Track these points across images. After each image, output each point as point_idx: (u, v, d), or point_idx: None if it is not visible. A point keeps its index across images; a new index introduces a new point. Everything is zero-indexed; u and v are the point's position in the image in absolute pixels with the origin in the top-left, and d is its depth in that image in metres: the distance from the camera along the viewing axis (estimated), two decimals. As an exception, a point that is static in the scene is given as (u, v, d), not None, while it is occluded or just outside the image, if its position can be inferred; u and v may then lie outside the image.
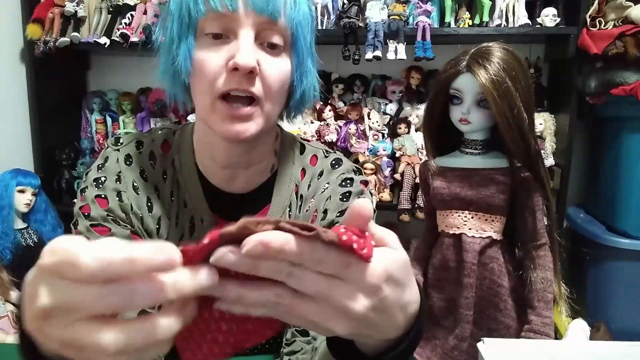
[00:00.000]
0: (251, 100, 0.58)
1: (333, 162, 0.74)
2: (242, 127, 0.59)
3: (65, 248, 0.28)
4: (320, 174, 0.73)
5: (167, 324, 0.31)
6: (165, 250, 0.29)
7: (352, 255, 0.32)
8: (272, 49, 0.59)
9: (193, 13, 0.58)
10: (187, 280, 0.30)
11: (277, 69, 0.60)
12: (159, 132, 0.73)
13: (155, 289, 0.29)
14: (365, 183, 0.74)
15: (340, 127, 1.95)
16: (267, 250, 0.30)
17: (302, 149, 0.76)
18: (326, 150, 0.76)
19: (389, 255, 0.34)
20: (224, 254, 0.30)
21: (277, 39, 0.59)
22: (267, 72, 0.58)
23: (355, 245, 0.31)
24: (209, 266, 0.31)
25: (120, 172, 0.67)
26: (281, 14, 0.58)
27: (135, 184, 0.68)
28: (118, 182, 0.67)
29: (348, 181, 0.72)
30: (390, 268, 0.34)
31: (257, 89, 0.58)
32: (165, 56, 0.62)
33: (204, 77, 0.58)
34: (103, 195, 0.66)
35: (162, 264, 0.29)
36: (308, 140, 0.79)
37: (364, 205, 0.32)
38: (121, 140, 0.70)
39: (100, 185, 0.66)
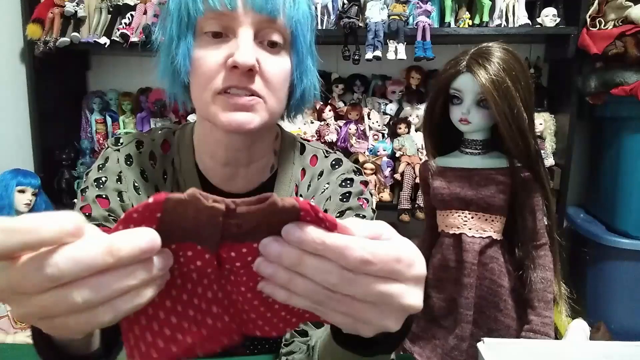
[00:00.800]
0: (248, 92, 0.58)
1: (333, 162, 0.74)
2: (245, 117, 0.58)
3: None
4: (320, 174, 0.73)
5: (126, 272, 0.30)
6: (70, 219, 0.29)
7: (399, 249, 0.32)
8: (271, 47, 0.59)
9: (192, 12, 0.58)
10: (124, 241, 0.29)
11: (277, 67, 0.59)
12: (159, 132, 0.73)
13: (82, 255, 0.28)
14: (365, 183, 0.74)
15: (340, 127, 1.95)
16: (324, 246, 0.30)
17: (302, 149, 0.76)
18: (326, 151, 0.76)
19: (406, 245, 0.34)
20: (268, 242, 0.31)
21: (276, 37, 0.59)
22: (267, 70, 0.58)
23: (310, 206, 0.31)
24: (152, 231, 0.30)
25: (120, 172, 0.67)
26: (280, 12, 0.58)
27: (136, 184, 0.68)
28: (119, 182, 0.67)
29: (348, 181, 0.72)
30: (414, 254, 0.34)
31: (257, 86, 0.58)
32: (164, 56, 0.62)
33: (202, 74, 0.58)
34: (104, 196, 0.66)
35: (71, 231, 0.28)
36: (308, 140, 0.79)
37: None
38: (121, 141, 0.70)
39: (101, 186, 0.66)
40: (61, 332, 0.32)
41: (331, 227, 0.31)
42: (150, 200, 0.30)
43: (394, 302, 0.32)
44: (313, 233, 0.30)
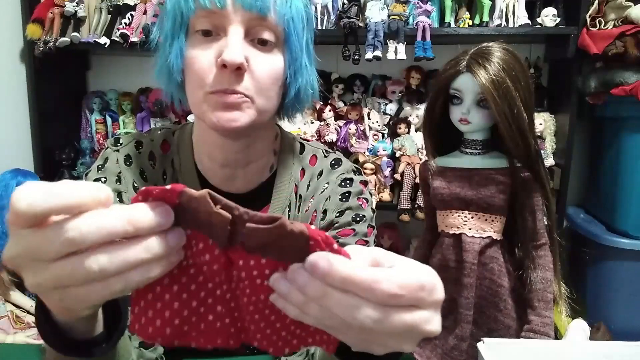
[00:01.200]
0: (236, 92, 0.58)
1: (333, 162, 0.74)
2: (232, 116, 0.58)
3: (12, 198, 0.29)
4: (320, 174, 0.73)
5: (146, 244, 0.31)
6: (102, 189, 0.30)
7: (420, 276, 0.32)
8: (262, 45, 0.59)
9: (184, 11, 0.58)
10: (144, 213, 0.31)
11: (267, 65, 0.59)
12: (159, 132, 0.73)
13: (105, 221, 0.30)
14: (365, 183, 0.74)
15: (340, 127, 1.95)
16: (352, 283, 0.30)
17: (302, 149, 0.76)
18: (326, 150, 0.76)
19: (424, 271, 0.34)
20: (296, 270, 0.31)
21: (267, 35, 0.59)
22: (256, 69, 0.58)
23: (322, 237, 0.31)
24: (169, 208, 0.32)
25: (120, 172, 0.67)
26: (271, 9, 0.57)
27: (135, 185, 0.68)
28: (118, 183, 0.67)
29: (347, 181, 0.72)
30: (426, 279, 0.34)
31: (245, 87, 0.58)
32: (160, 55, 0.63)
33: (194, 74, 0.59)
34: None
35: (102, 200, 0.30)
36: (308, 140, 0.79)
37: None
38: (121, 141, 0.70)
39: None
40: (71, 304, 0.33)
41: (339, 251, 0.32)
42: (168, 187, 0.31)
43: (416, 330, 0.32)
44: (341, 267, 0.30)
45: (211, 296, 0.36)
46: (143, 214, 0.31)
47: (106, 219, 0.30)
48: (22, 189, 0.29)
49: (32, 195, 0.29)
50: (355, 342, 0.34)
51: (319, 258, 0.30)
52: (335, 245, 0.31)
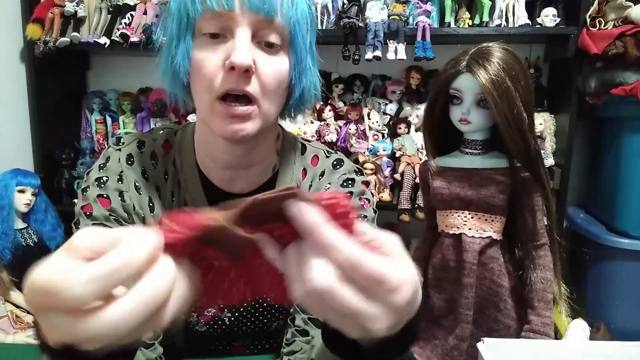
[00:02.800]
0: (248, 100, 0.58)
1: (334, 162, 0.74)
2: (239, 127, 0.58)
3: (47, 282, 0.27)
4: (322, 175, 0.73)
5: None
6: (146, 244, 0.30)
7: (389, 270, 0.31)
8: (269, 47, 0.59)
9: (191, 13, 0.58)
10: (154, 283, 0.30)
11: (274, 67, 0.59)
12: (160, 132, 0.73)
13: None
14: (367, 184, 0.74)
15: (340, 127, 1.95)
16: (318, 234, 0.30)
17: (304, 150, 0.76)
18: (327, 151, 0.77)
19: (400, 269, 0.33)
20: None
21: (274, 38, 0.59)
22: (263, 71, 0.58)
23: (336, 204, 0.31)
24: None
25: (122, 172, 0.67)
26: (278, 12, 0.57)
27: (137, 184, 0.68)
28: (120, 182, 0.67)
29: (349, 182, 0.72)
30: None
31: (253, 88, 0.58)
32: (165, 56, 0.63)
33: (202, 77, 0.58)
34: (105, 195, 0.66)
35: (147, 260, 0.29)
36: (309, 141, 0.79)
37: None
38: (122, 140, 0.70)
39: (102, 185, 0.66)
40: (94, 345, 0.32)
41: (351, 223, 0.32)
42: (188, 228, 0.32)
43: (358, 319, 0.31)
44: (313, 216, 0.31)
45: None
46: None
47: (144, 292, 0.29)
48: (71, 272, 0.27)
49: (94, 278, 0.27)
50: (308, 303, 0.33)
51: (297, 205, 0.31)
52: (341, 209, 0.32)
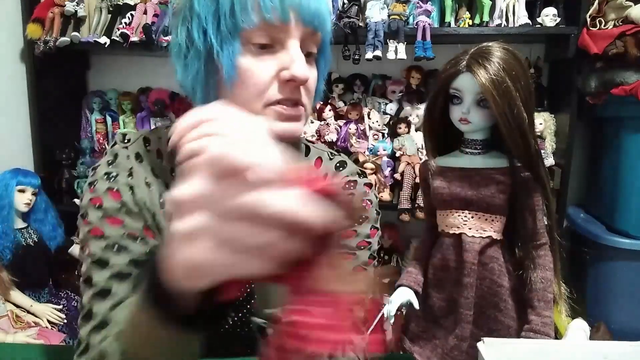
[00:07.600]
0: (295, 103, 0.61)
1: (337, 164, 0.75)
2: (295, 127, 0.62)
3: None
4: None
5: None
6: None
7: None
8: (307, 57, 0.61)
9: (239, 22, 0.57)
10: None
11: (313, 76, 0.63)
12: (165, 129, 0.73)
13: (297, 211, 0.29)
14: (369, 185, 0.75)
15: (340, 126, 1.95)
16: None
17: (307, 151, 0.76)
18: (331, 153, 0.77)
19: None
20: None
21: (314, 48, 0.62)
22: (309, 81, 0.61)
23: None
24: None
25: (132, 168, 0.67)
26: (323, 25, 0.61)
27: (147, 180, 0.67)
28: (130, 178, 0.66)
29: (352, 183, 0.72)
30: None
31: (303, 97, 0.61)
32: (195, 60, 0.61)
33: (252, 85, 0.59)
34: (115, 189, 0.65)
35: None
36: (312, 142, 0.79)
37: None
38: (128, 137, 0.70)
39: (112, 179, 0.65)
40: (213, 270, 0.32)
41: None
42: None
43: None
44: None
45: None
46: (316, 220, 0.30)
47: (301, 211, 0.29)
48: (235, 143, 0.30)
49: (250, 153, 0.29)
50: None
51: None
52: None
